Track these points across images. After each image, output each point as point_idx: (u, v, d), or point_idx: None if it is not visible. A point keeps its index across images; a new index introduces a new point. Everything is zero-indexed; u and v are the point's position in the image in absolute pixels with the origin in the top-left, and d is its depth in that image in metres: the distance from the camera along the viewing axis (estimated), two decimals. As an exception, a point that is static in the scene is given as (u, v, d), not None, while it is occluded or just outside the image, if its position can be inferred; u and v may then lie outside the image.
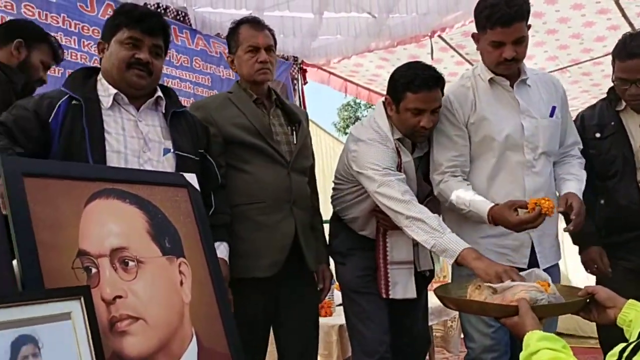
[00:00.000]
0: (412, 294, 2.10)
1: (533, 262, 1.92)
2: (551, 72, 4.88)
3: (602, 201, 2.23)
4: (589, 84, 5.34)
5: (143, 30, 1.67)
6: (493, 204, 1.82)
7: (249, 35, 2.11)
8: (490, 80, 1.98)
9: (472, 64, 4.77)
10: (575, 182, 1.97)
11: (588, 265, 2.26)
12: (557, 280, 1.96)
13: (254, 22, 2.15)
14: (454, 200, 1.92)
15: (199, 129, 1.88)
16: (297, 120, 2.21)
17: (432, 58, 4.34)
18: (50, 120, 1.56)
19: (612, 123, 2.21)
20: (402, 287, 2.10)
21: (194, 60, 3.64)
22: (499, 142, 1.93)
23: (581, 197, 1.91)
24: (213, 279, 1.43)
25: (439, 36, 4.34)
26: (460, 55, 4.70)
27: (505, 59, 1.87)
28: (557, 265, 2.07)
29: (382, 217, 2.04)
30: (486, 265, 1.61)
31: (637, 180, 2.16)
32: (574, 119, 2.24)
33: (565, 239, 2.46)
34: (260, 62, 2.08)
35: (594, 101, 2.38)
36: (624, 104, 2.20)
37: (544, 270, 1.64)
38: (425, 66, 2.02)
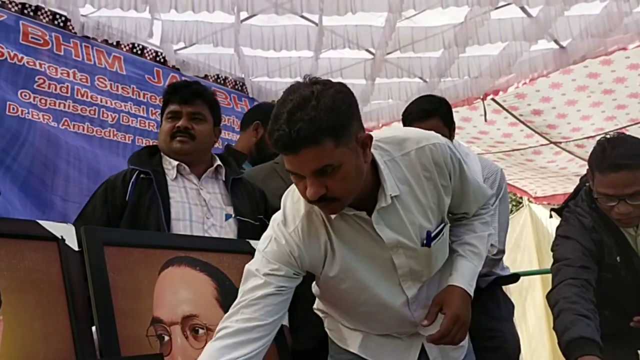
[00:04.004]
0: None
1: None
2: (609, 132, 4.76)
3: (607, 312, 1.72)
4: (650, 143, 5.17)
5: (178, 101, 1.79)
6: None
7: None
8: (343, 215, 1.31)
9: (526, 125, 4.73)
10: (466, 263, 1.46)
11: None
12: None
13: None
14: None
15: (257, 194, 1.94)
16: None
17: (485, 120, 4.32)
18: (127, 199, 1.67)
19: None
20: None
21: (254, 126, 3.78)
22: (372, 293, 1.39)
23: (471, 289, 1.42)
24: (278, 347, 1.43)
25: (492, 98, 4.34)
26: (514, 116, 4.66)
27: (309, 199, 1.20)
28: None
29: None
30: None
31: None
32: None
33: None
34: None
35: None
36: None
37: None
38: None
